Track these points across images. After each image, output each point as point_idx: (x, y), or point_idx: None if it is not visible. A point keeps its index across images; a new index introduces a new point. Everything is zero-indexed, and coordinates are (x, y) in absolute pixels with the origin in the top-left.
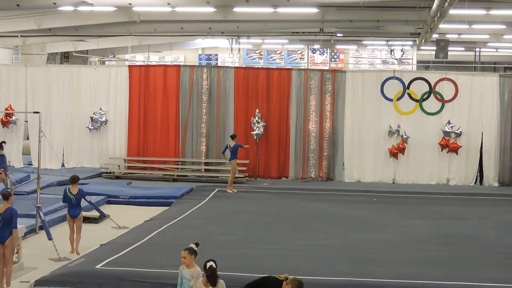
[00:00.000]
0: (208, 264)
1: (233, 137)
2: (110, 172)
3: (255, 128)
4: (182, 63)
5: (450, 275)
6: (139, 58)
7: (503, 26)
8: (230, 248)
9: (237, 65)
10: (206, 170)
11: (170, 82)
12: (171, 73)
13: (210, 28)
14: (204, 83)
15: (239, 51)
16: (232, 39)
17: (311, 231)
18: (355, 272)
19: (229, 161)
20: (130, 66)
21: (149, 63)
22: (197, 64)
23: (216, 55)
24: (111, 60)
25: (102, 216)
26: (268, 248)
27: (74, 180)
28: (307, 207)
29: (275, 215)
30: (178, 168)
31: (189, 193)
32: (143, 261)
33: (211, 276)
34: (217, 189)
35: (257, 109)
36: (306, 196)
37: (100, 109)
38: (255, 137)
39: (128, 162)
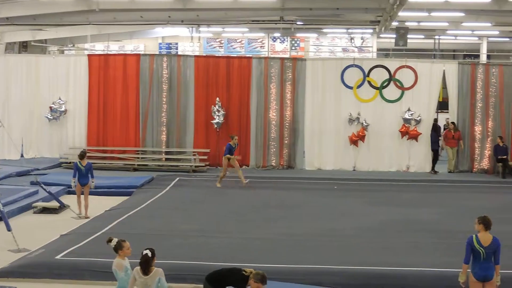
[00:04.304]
0: (144, 252)
1: (232, 137)
2: (69, 162)
3: (215, 116)
4: (142, 52)
5: (411, 261)
6: (99, 47)
7: (462, 14)
8: (191, 237)
9: (197, 53)
10: (166, 159)
11: (130, 71)
12: (131, 62)
13: (169, 16)
14: (164, 72)
15: (199, 39)
16: (192, 27)
17: (272, 219)
18: (317, 260)
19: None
20: (89, 56)
21: (108, 52)
22: (157, 53)
23: (176, 44)
24: (70, 50)
25: (62, 207)
26: (229, 237)
27: (82, 155)
28: (268, 196)
29: (236, 204)
30: (138, 158)
31: (149, 182)
32: (104, 251)
33: (143, 263)
34: (178, 178)
35: (217, 98)
36: (267, 184)
37: (59, 98)
38: (216, 126)
39: (88, 152)
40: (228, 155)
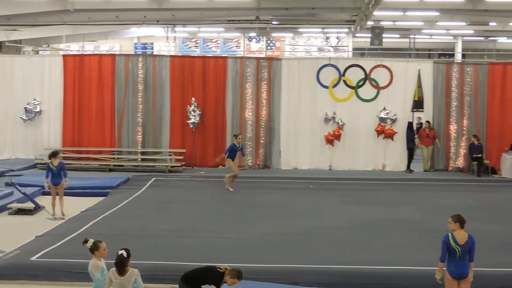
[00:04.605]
0: (119, 252)
1: (236, 136)
2: (45, 163)
3: (191, 116)
4: (117, 52)
5: (387, 260)
6: (74, 48)
7: (437, 13)
8: (168, 238)
9: (173, 53)
10: (142, 159)
11: (105, 71)
12: (106, 62)
13: (145, 16)
14: (139, 72)
15: (174, 39)
16: (167, 27)
17: (249, 219)
18: (294, 260)
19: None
20: (64, 56)
21: (83, 53)
22: (133, 53)
23: (152, 44)
24: (45, 50)
25: (37, 208)
26: (206, 237)
27: (54, 154)
28: (244, 195)
29: (213, 204)
30: (114, 158)
31: (125, 183)
32: (80, 252)
33: (119, 264)
34: (153, 179)
35: (193, 98)
36: (243, 184)
37: (34, 99)
38: (192, 126)
39: (63, 153)
40: (229, 158)
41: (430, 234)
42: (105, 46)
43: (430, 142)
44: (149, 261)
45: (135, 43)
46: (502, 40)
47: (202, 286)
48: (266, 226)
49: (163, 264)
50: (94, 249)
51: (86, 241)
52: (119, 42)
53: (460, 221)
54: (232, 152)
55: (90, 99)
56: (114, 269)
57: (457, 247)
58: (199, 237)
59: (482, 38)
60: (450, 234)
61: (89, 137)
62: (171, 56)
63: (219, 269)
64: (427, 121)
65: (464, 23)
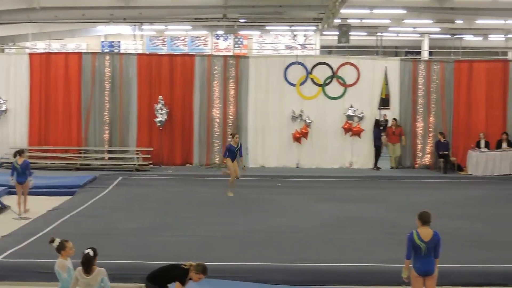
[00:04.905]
0: (85, 251)
1: (233, 135)
2: (10, 162)
3: (158, 115)
4: (84, 51)
5: (354, 257)
6: (40, 46)
7: (404, 11)
8: (135, 236)
9: (140, 52)
10: (109, 158)
11: (72, 69)
12: (73, 61)
13: (112, 14)
14: (106, 71)
15: (142, 38)
16: (134, 25)
17: (217, 217)
18: (261, 257)
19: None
20: (30, 54)
21: (50, 51)
22: (100, 51)
23: (119, 42)
24: (11, 48)
25: (3, 207)
26: (174, 235)
27: (19, 152)
28: (212, 193)
29: (181, 202)
30: (81, 157)
31: (92, 181)
32: (46, 252)
33: (85, 263)
34: (121, 177)
35: (160, 96)
36: (211, 182)
37: (0, 98)
38: (159, 124)
39: (29, 152)
40: (229, 158)
41: (397, 231)
42: (71, 45)
43: (397, 139)
44: (116, 260)
45: (102, 42)
46: (468, 38)
47: (169, 285)
48: (233, 224)
49: (130, 263)
50: (60, 248)
51: (52, 241)
52: (86, 41)
53: (420, 218)
54: (231, 152)
55: (57, 97)
56: (80, 268)
57: (422, 244)
58: (166, 235)
59: (448, 36)
60: (414, 231)
61: (56, 136)
62: (138, 54)
63: (183, 266)
64: (394, 119)
65: (430, 21)
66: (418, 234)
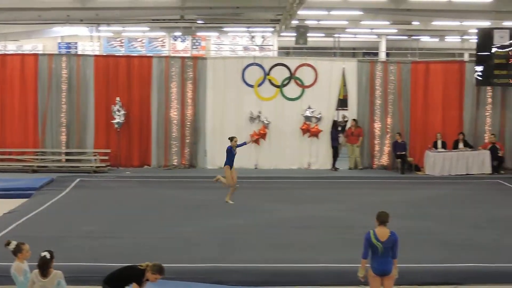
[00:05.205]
0: (42, 254)
1: (231, 139)
2: None
3: (116, 116)
4: (40, 52)
5: (312, 257)
6: None
7: (361, 12)
8: (93, 239)
9: (97, 53)
10: (67, 160)
11: (28, 71)
12: (29, 62)
13: (68, 15)
14: (63, 72)
15: (99, 39)
16: (91, 27)
17: (174, 219)
18: (220, 258)
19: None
20: None
21: (6, 52)
22: (57, 52)
23: (76, 43)
24: None
25: None
26: (131, 237)
27: None
28: (170, 195)
29: (139, 204)
30: (37, 159)
31: (49, 184)
32: (2, 255)
33: (41, 266)
34: (78, 179)
35: (118, 98)
36: (170, 184)
37: None
38: (117, 126)
39: None
40: (227, 166)
41: (354, 231)
42: (28, 46)
43: (356, 140)
44: (73, 262)
45: (59, 43)
46: (425, 39)
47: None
48: (191, 225)
49: (88, 265)
50: (17, 251)
51: (8, 243)
52: (42, 42)
53: (378, 218)
54: (231, 157)
55: (13, 99)
56: (37, 271)
57: (379, 243)
58: (124, 237)
59: (405, 37)
60: (371, 231)
61: (12, 138)
62: (95, 55)
63: (140, 266)
64: (354, 119)
65: (387, 22)
66: (375, 234)
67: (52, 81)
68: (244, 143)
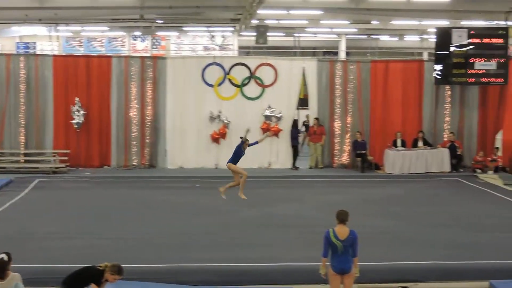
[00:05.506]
0: (0, 256)
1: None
2: None
3: (75, 117)
4: None
5: (273, 256)
6: None
7: (320, 12)
8: (51, 240)
9: (56, 53)
10: (26, 161)
11: None
12: None
13: (26, 15)
14: (21, 72)
15: (58, 39)
16: (50, 26)
17: (134, 219)
18: (181, 258)
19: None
20: None
21: None
22: (15, 52)
23: (35, 43)
24: None
25: None
26: (91, 238)
27: None
28: (131, 195)
29: (99, 204)
30: None
31: (7, 185)
32: None
33: None
34: (37, 180)
35: (77, 98)
36: (130, 184)
37: None
38: (76, 126)
39: None
40: (230, 163)
41: (315, 230)
42: None
43: (319, 139)
44: (31, 264)
45: (17, 43)
46: (384, 38)
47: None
48: (151, 226)
49: (46, 267)
50: None
51: None
52: (0, 42)
53: (338, 217)
54: (236, 156)
55: None
56: None
57: (338, 242)
58: (83, 238)
59: (365, 37)
60: (331, 229)
61: None
62: (54, 55)
63: (99, 267)
64: (316, 118)
65: (347, 22)
66: (334, 233)
67: (10, 82)
68: (256, 143)
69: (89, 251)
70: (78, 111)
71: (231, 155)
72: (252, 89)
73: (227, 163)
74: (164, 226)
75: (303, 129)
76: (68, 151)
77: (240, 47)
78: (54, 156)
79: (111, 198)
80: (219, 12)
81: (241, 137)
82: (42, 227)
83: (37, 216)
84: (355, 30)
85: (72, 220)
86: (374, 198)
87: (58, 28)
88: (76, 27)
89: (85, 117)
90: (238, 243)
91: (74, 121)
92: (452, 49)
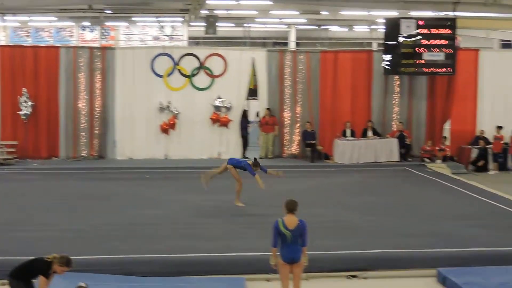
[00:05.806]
0: None
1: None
2: None
3: (22, 108)
4: None
5: (222, 246)
6: None
7: (270, 2)
8: None
9: (3, 43)
10: None
11: None
12: None
13: None
14: None
15: (5, 29)
16: None
17: (82, 210)
18: (128, 249)
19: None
20: None
21: None
22: None
23: None
24: None
25: None
26: (39, 229)
27: None
28: (80, 187)
29: (47, 196)
30: None
31: None
32: None
33: None
34: None
35: (24, 89)
36: (79, 175)
37: None
38: (23, 117)
39: None
40: (232, 167)
41: (264, 220)
42: None
43: (270, 129)
44: None
45: None
46: (334, 28)
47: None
48: (100, 217)
49: None
50: None
51: None
52: None
53: (286, 206)
54: (241, 167)
55: None
56: None
57: (287, 231)
58: (30, 230)
59: (315, 27)
60: (280, 219)
61: None
62: (0, 46)
63: (47, 259)
64: (268, 108)
65: (297, 12)
66: (283, 222)
67: None
68: (265, 170)
69: (35, 242)
70: (25, 102)
71: (230, 156)
72: (201, 79)
73: (230, 164)
74: (112, 217)
75: (257, 119)
76: (15, 142)
77: (189, 38)
78: (1, 147)
79: (59, 190)
80: (168, 2)
81: (255, 158)
82: None
83: None
84: (304, 20)
85: (19, 212)
86: (324, 188)
87: (5, 18)
88: (24, 17)
89: (33, 108)
90: (186, 233)
91: (21, 112)
92: (400, 39)
